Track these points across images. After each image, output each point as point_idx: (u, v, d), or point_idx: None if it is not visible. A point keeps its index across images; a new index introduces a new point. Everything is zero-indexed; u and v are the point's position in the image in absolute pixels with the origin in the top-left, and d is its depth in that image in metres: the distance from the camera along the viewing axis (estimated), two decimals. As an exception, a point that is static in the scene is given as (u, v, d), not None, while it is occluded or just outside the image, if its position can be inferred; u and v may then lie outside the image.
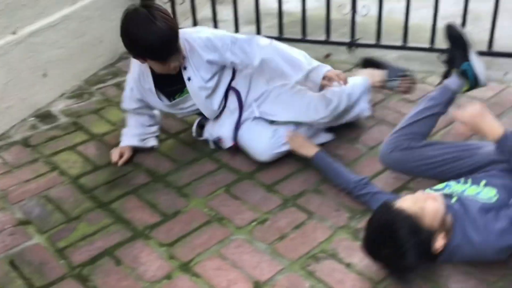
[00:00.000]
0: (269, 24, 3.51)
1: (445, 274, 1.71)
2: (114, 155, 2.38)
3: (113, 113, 2.79)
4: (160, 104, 2.31)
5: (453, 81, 2.14)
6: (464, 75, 2.14)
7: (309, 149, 2.19)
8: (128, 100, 2.39)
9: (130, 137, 2.41)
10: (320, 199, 2.09)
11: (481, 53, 2.95)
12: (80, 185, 2.27)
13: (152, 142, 2.45)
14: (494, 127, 1.77)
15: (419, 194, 1.70)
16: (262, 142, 2.24)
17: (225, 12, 3.57)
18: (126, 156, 2.37)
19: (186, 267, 1.82)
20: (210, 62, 2.19)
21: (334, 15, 3.19)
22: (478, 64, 2.16)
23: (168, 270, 1.81)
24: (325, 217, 2.00)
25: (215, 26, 3.48)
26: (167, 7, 3.51)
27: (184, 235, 1.96)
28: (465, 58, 2.17)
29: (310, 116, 2.25)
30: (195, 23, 3.56)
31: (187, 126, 2.63)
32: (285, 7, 3.34)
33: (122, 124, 2.68)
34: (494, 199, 1.69)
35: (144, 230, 2.00)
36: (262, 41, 2.20)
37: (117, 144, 2.48)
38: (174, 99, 2.29)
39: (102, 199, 2.18)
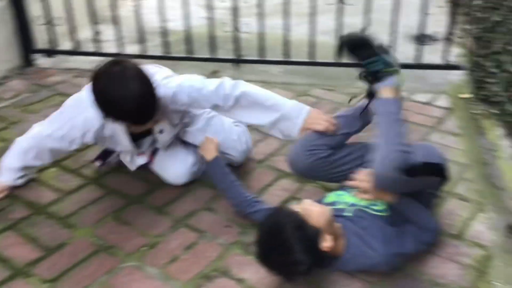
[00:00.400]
0: (155, 43, 3.47)
1: (333, 279, 1.77)
2: None
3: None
4: (128, 147, 2.18)
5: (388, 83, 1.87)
6: (388, 71, 1.86)
7: (210, 153, 2.12)
8: (64, 142, 2.08)
9: (12, 173, 2.22)
10: (211, 217, 2.09)
11: (358, 65, 3.16)
12: (-51, 225, 2.07)
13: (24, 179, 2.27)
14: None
15: (306, 201, 1.74)
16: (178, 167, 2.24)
17: (107, 32, 3.48)
18: (5, 194, 2.21)
19: (72, 302, 1.72)
20: (179, 111, 2.14)
21: (219, 32, 3.23)
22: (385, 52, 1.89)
23: (52, 308, 1.70)
24: (217, 234, 1.99)
25: (98, 46, 3.39)
26: (44, 29, 3.37)
27: (70, 268, 1.85)
28: (374, 55, 1.86)
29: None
30: (76, 45, 3.44)
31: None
32: (169, 25, 3.33)
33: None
34: (386, 210, 1.80)
35: (24, 268, 1.86)
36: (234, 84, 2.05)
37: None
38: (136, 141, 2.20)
39: (-24, 238, 2.00)
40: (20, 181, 2.23)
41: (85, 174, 2.36)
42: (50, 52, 3.52)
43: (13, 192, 2.23)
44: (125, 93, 1.78)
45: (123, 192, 2.24)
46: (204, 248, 1.93)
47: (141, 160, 2.28)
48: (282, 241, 1.60)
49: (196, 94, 2.03)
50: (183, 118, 2.23)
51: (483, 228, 1.98)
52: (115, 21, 3.27)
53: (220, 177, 2.08)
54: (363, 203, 1.83)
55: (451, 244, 1.90)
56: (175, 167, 2.24)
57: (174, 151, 2.27)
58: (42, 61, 3.55)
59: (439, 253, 1.86)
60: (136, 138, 2.17)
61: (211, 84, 2.04)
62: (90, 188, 2.28)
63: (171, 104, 2.03)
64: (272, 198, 2.13)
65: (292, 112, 2.03)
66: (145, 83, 1.83)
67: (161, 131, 2.15)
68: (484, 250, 1.87)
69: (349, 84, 3.12)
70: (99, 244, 1.96)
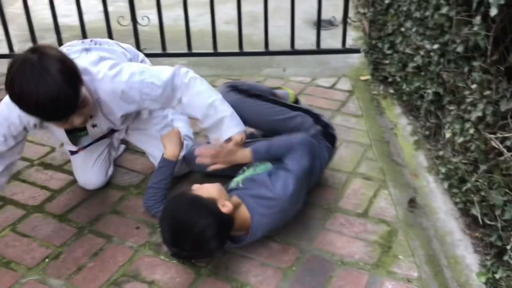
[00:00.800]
0: (50, 40, 3.28)
1: (244, 270, 1.76)
2: None
3: None
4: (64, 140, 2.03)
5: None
6: None
7: (171, 148, 2.02)
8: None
9: None
10: (119, 220, 2.01)
11: (260, 53, 3.18)
12: None
13: None
14: (244, 156, 1.94)
15: (194, 185, 1.79)
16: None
17: (-3, 32, 3.24)
18: None
19: (-33, 328, 1.59)
20: (124, 115, 1.94)
21: (118, 26, 3.11)
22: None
23: None
24: (125, 237, 1.92)
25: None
26: None
27: (-37, 291, 1.71)
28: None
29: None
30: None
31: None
32: (63, 20, 3.15)
33: None
34: (270, 166, 1.90)
35: None
36: (184, 77, 1.90)
37: None
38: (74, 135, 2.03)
39: None
40: None
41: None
42: None
43: None
44: (36, 87, 1.55)
45: (21, 203, 2.10)
46: (111, 254, 1.85)
47: (71, 147, 2.11)
48: (185, 220, 1.64)
49: (147, 90, 1.85)
50: (131, 119, 2.10)
51: (386, 204, 2.06)
52: (3, 19, 3.04)
53: (161, 176, 1.99)
54: (249, 172, 1.93)
55: (358, 223, 1.96)
56: (91, 174, 2.14)
57: (95, 154, 2.15)
58: None
59: (346, 232, 1.91)
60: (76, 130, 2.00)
61: (164, 74, 1.87)
62: (-17, 201, 2.11)
63: (120, 100, 1.85)
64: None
65: (230, 121, 1.93)
66: (64, 77, 1.59)
67: (94, 126, 1.97)
68: (388, 226, 1.95)
69: (255, 73, 3.14)
70: (-4, 260, 1.83)
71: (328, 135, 2.12)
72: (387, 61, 2.78)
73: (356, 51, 3.19)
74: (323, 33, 3.20)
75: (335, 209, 2.03)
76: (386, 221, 1.97)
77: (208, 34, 3.13)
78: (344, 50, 3.22)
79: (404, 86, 2.52)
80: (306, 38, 3.27)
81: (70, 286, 1.72)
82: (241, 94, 2.14)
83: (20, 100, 1.61)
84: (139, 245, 1.89)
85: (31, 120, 1.82)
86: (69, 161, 2.32)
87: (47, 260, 1.83)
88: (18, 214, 2.05)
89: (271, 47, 3.15)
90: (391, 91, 2.77)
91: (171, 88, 1.87)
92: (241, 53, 3.09)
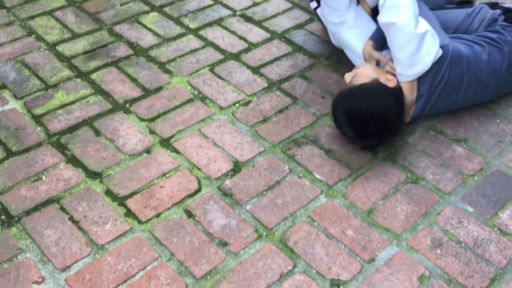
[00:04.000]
0: None
1: (423, 166, 1.73)
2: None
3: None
4: None
5: None
6: None
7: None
8: None
9: None
10: (306, 85, 2.05)
11: None
12: (57, 52, 2.17)
13: None
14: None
15: (346, 75, 1.83)
16: None
17: None
18: None
19: (166, 143, 1.80)
20: None
21: None
22: None
23: (147, 145, 1.79)
24: (310, 103, 1.97)
25: None
26: None
27: (165, 112, 1.92)
28: None
29: None
30: None
31: (171, 0, 2.49)
32: None
33: (102, -9, 2.52)
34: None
35: (125, 104, 1.95)
36: None
37: (97, 12, 2.36)
38: None
39: (81, 68, 2.09)
40: None
41: (185, 24, 2.35)
42: None
43: (116, 30, 2.28)
44: None
45: (220, 47, 2.23)
46: (296, 114, 1.92)
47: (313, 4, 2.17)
48: (364, 110, 1.67)
49: None
50: None
51: None
52: None
53: None
54: None
55: None
56: None
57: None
58: None
59: None
60: None
61: None
62: (188, 38, 2.27)
63: None
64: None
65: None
66: None
67: None
68: None
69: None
70: (194, 93, 2.00)
71: None
72: None
73: None
74: None
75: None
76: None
77: None
78: None
79: None
80: None
81: (254, 132, 1.85)
82: None
83: None
84: (322, 113, 1.93)
85: None
86: (268, 18, 2.37)
87: (237, 104, 1.96)
88: (217, 57, 2.18)
89: None
90: None
91: None
92: None
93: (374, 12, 1.94)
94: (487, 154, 1.77)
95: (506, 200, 1.62)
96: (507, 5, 1.98)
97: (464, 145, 1.80)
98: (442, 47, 1.72)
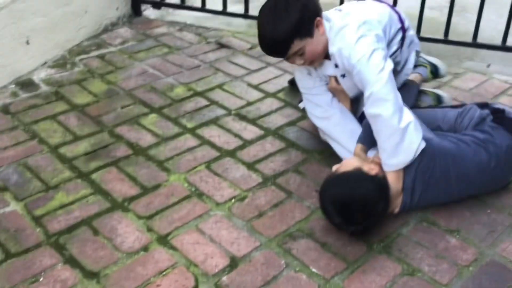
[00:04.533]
0: (257, 3, 3.48)
1: (418, 257, 1.75)
2: None
3: (95, 85, 2.76)
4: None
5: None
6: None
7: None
8: None
9: None
10: (300, 180, 2.11)
11: (466, 44, 3.02)
12: (59, 154, 2.25)
13: None
14: None
15: (334, 167, 1.94)
16: None
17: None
18: None
19: (163, 240, 1.82)
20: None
21: None
22: None
23: (145, 242, 1.81)
24: (304, 197, 2.02)
25: (203, 4, 3.45)
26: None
27: (163, 209, 1.96)
28: None
29: None
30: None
31: (170, 102, 2.62)
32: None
33: (104, 96, 2.67)
34: None
35: (123, 202, 1.99)
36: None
37: (99, 115, 2.48)
38: None
39: (82, 169, 2.16)
40: None
41: (182, 124, 2.46)
42: (158, 4, 3.64)
43: (117, 131, 2.38)
44: (266, 25, 1.90)
45: (216, 145, 2.31)
46: (290, 208, 1.96)
47: (331, 71, 2.09)
48: (347, 198, 1.75)
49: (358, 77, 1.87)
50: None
51: None
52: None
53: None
54: None
55: None
56: None
57: None
58: (149, 12, 3.68)
59: None
60: None
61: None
62: (185, 137, 2.37)
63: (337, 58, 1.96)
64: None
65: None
66: (283, 23, 1.84)
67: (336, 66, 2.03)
68: None
69: (455, 64, 3.00)
70: (191, 190, 2.05)
71: (506, 120, 1.96)
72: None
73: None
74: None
75: (526, 220, 1.89)
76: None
77: (412, 17, 3.05)
78: None
79: None
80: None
81: (251, 227, 1.88)
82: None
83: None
84: (316, 207, 1.97)
85: None
86: (261, 116, 2.49)
87: (233, 200, 2.01)
88: (213, 154, 2.26)
89: (478, 40, 2.96)
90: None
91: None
92: (444, 41, 2.96)
93: (354, 107, 2.11)
94: (480, 245, 1.79)
95: (503, 290, 1.62)
96: (496, 105, 2.09)
97: (457, 236, 1.83)
98: (426, 140, 1.81)
